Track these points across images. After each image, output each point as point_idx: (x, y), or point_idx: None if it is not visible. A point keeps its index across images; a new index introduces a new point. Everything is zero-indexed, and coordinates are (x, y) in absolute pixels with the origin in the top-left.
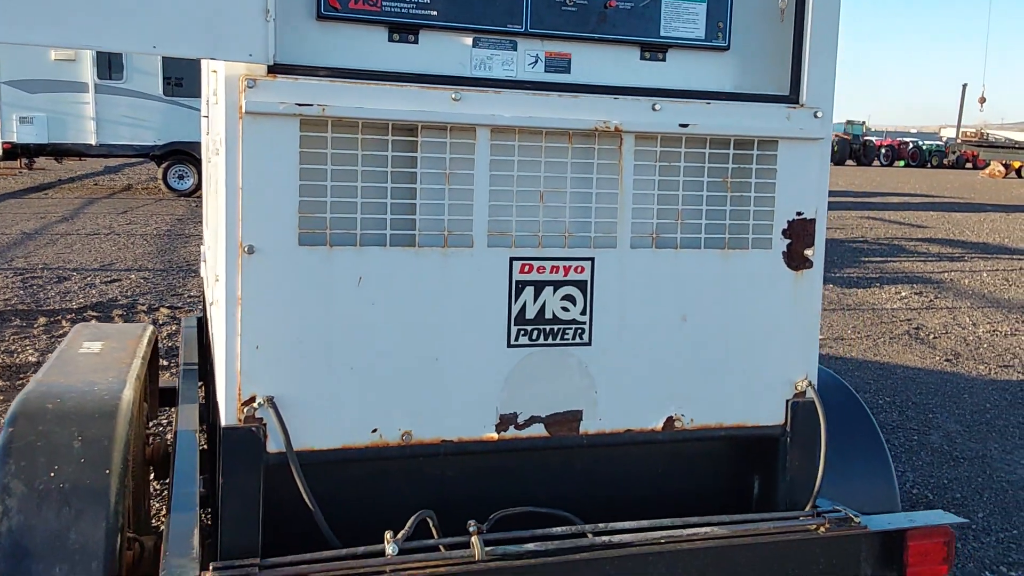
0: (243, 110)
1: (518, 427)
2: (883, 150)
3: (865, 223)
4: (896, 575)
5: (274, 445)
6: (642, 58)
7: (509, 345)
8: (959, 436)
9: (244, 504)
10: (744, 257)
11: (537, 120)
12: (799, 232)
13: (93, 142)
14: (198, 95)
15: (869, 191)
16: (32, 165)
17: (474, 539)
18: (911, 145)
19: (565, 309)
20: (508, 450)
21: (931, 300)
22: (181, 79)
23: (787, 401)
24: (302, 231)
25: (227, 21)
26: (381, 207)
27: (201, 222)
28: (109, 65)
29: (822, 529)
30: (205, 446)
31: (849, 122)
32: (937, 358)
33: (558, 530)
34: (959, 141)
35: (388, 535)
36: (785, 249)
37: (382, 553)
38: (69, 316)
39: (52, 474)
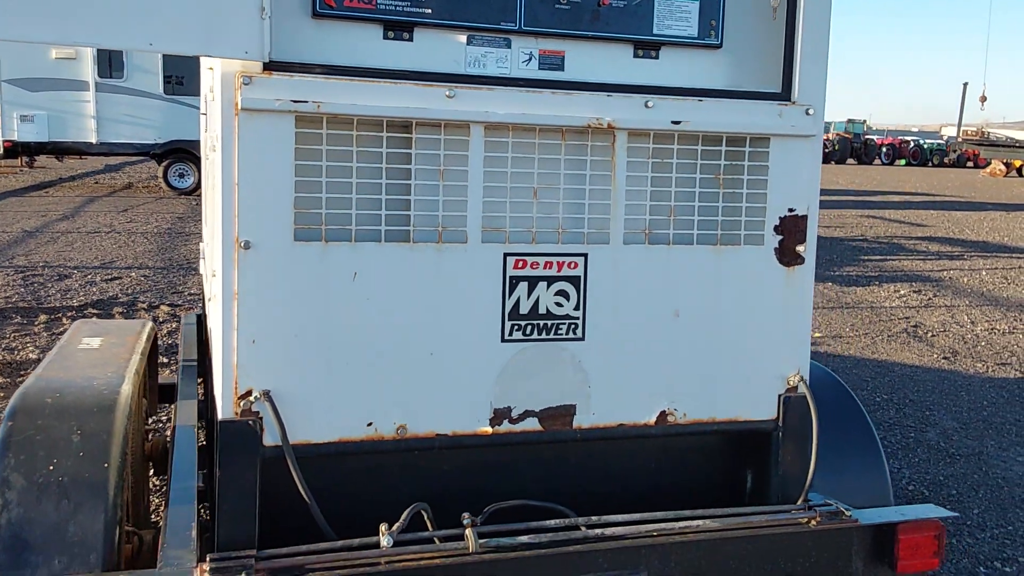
0: (239, 107)
1: (512, 421)
2: (884, 149)
3: (865, 222)
4: (887, 568)
5: (270, 438)
6: (635, 56)
7: (503, 340)
8: (956, 433)
9: (241, 497)
10: (736, 253)
11: (531, 117)
12: (791, 228)
13: (94, 140)
14: (198, 93)
15: (870, 190)
16: (33, 163)
17: (468, 531)
18: (912, 144)
19: (559, 304)
20: (502, 444)
21: (930, 298)
22: (182, 77)
23: (779, 396)
24: (298, 227)
25: (223, 19)
26: (376, 203)
27: (201, 220)
28: (110, 63)
29: (813, 522)
30: (204, 442)
31: (850, 121)
32: (935, 356)
33: (551, 523)
34: (960, 140)
35: (383, 527)
36: (777, 245)
37: (377, 545)
38: (70, 314)
39: (51, 467)
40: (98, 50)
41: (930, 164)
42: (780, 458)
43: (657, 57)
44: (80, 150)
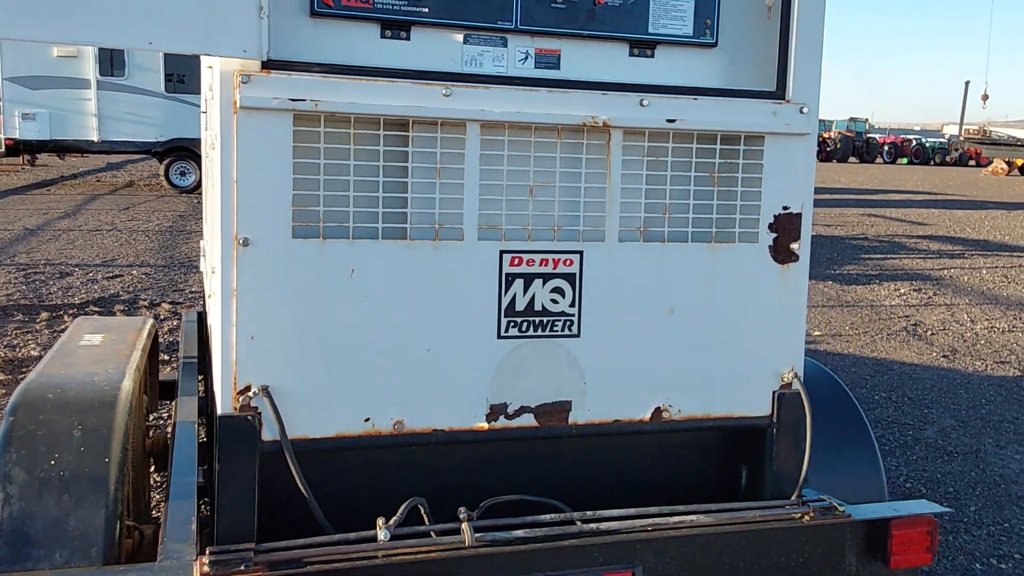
0: (238, 105)
1: (508, 417)
2: (886, 147)
3: (866, 220)
4: (881, 563)
5: (269, 433)
6: (631, 54)
7: (499, 336)
8: (954, 431)
9: (240, 491)
10: (731, 251)
11: (527, 115)
12: (785, 226)
13: (95, 138)
14: (199, 91)
15: (871, 188)
16: (34, 161)
17: (464, 525)
18: (914, 142)
19: (554, 301)
20: (498, 439)
21: (930, 297)
22: (183, 75)
23: (773, 392)
24: (296, 224)
25: (222, 18)
26: (373, 201)
27: (202, 218)
28: (111, 62)
29: (807, 518)
30: (205, 439)
31: (852, 119)
32: (934, 354)
33: (547, 517)
34: (962, 138)
35: (380, 521)
36: (771, 243)
37: (374, 539)
38: (71, 311)
39: (52, 462)
40: (99, 48)
41: (932, 163)
42: (775, 454)
43: (652, 56)
44: (82, 148)
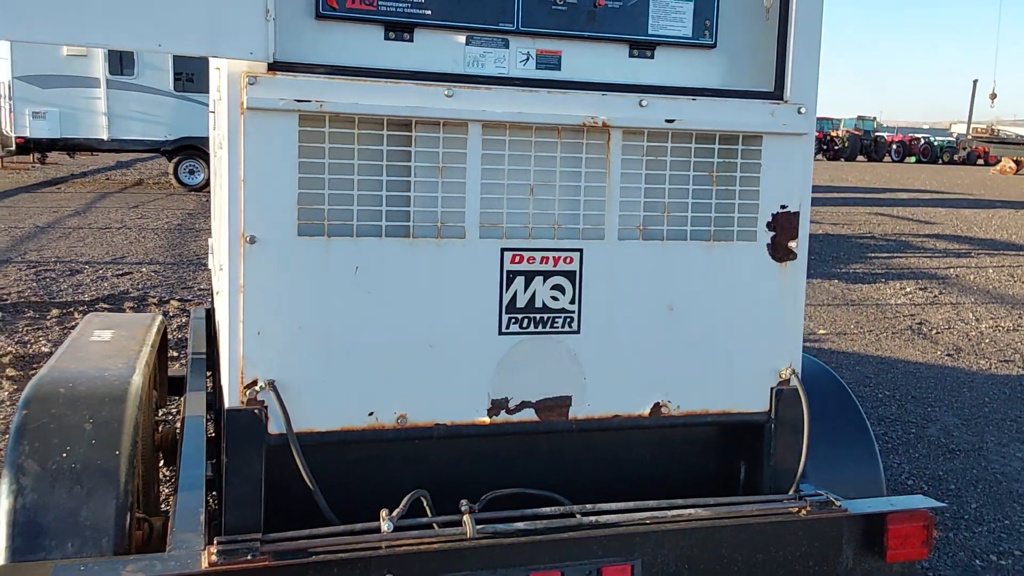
0: (244, 106)
1: (509, 412)
2: (894, 146)
3: (873, 219)
4: (877, 557)
5: (275, 427)
6: (630, 55)
7: (500, 333)
8: (956, 429)
9: (247, 483)
10: (729, 249)
11: (527, 116)
12: (783, 225)
13: (105, 137)
14: (208, 91)
15: (879, 187)
16: (45, 160)
17: (466, 518)
18: (922, 141)
19: (555, 298)
20: (499, 434)
21: (935, 296)
22: (192, 74)
23: (772, 389)
24: (301, 222)
25: (229, 20)
26: (377, 199)
27: (210, 216)
28: (120, 61)
29: (803, 512)
30: (213, 434)
31: (860, 118)
32: (938, 353)
33: (547, 510)
34: (970, 137)
35: (384, 513)
36: (769, 241)
37: (378, 530)
38: (81, 308)
39: (64, 454)
40: None
41: (940, 161)
42: (773, 450)
43: (652, 57)
44: (91, 147)
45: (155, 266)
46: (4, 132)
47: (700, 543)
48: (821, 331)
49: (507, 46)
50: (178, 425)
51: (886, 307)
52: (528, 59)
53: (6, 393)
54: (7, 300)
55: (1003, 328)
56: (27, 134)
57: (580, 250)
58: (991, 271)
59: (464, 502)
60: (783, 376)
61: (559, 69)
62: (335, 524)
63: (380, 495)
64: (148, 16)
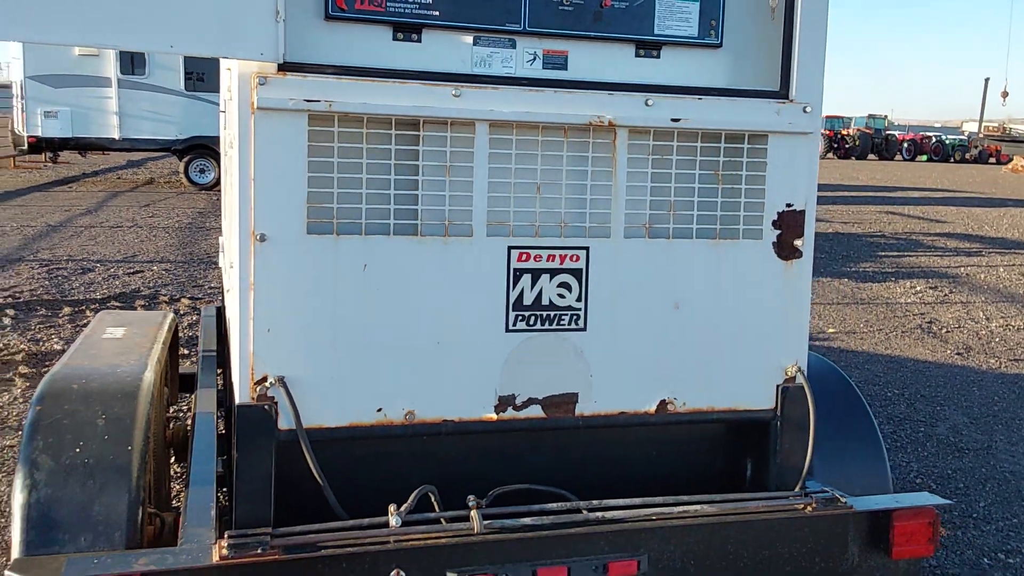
0: (255, 106)
1: (516, 408)
2: (905, 144)
3: (884, 218)
4: (882, 554)
5: (285, 422)
6: (637, 55)
7: (507, 330)
8: (965, 428)
9: (257, 478)
10: (735, 247)
11: (534, 115)
12: (789, 223)
13: (116, 136)
14: (219, 90)
15: (890, 185)
16: (56, 159)
17: (473, 513)
18: (934, 139)
19: (561, 296)
20: (506, 430)
21: (946, 294)
22: (202, 74)
23: (777, 386)
24: (310, 220)
25: (240, 22)
26: (385, 198)
27: (220, 214)
28: (132, 60)
29: (809, 509)
30: (223, 431)
31: (871, 116)
32: (948, 352)
33: (554, 506)
34: (981, 136)
35: (392, 508)
36: (775, 240)
37: (386, 525)
38: (93, 306)
39: (77, 450)
40: None
41: (952, 160)
42: (779, 447)
43: (658, 56)
44: (103, 146)
45: (166, 264)
46: (16, 131)
47: (706, 539)
48: (830, 330)
49: (514, 46)
50: (189, 422)
51: (896, 306)
52: (535, 59)
53: (19, 390)
54: (20, 298)
55: (1013, 327)
56: (39, 133)
57: (586, 248)
58: (1002, 270)
59: (471, 498)
60: (789, 373)
61: (565, 69)
62: (344, 519)
63: (388, 490)
64: (160, 18)
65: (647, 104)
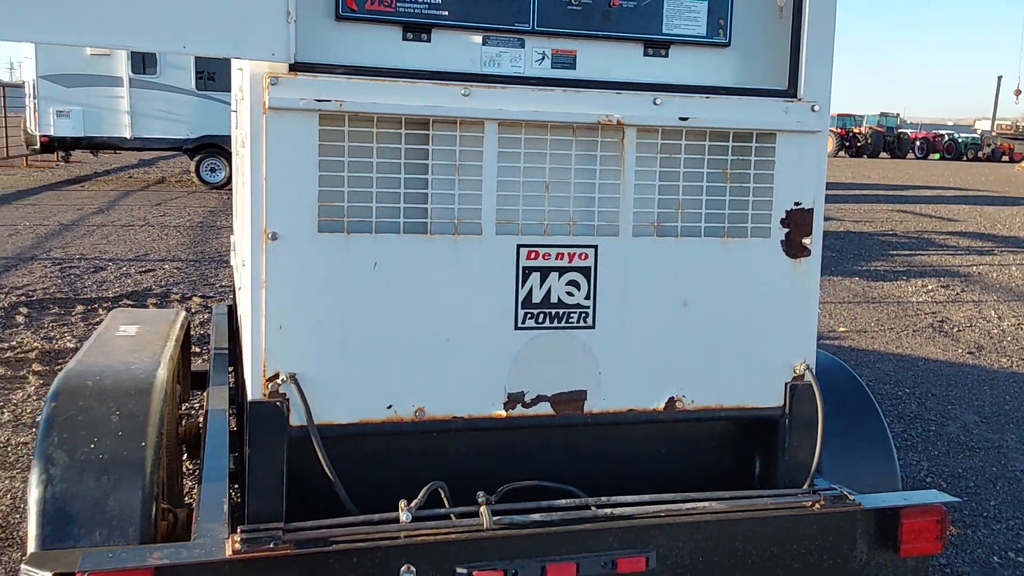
0: (266, 106)
1: (525, 405)
2: (918, 143)
3: (896, 216)
4: (891, 552)
5: (296, 419)
6: (645, 54)
7: (516, 328)
8: (976, 427)
9: (269, 473)
10: (743, 245)
11: (543, 114)
12: (797, 221)
13: (128, 135)
14: (230, 89)
15: (902, 184)
16: (68, 158)
17: (483, 509)
18: (946, 138)
19: (570, 294)
20: (516, 427)
21: (957, 293)
22: (213, 73)
23: (786, 384)
24: (321, 219)
25: (251, 22)
26: (395, 196)
27: (232, 213)
28: (143, 60)
29: (817, 506)
30: (235, 427)
31: (883, 114)
32: (960, 351)
33: (563, 502)
34: (994, 134)
35: (402, 504)
36: (784, 238)
37: (397, 520)
38: (105, 304)
39: (92, 445)
40: None
41: (964, 158)
42: (787, 444)
43: (667, 55)
44: (115, 145)
45: (177, 263)
46: (29, 131)
47: (714, 536)
48: (841, 328)
49: (523, 46)
50: (201, 419)
51: (907, 305)
52: (543, 58)
53: (33, 387)
54: (33, 296)
55: None
56: (51, 133)
57: (595, 246)
58: (1014, 269)
59: (481, 494)
60: (797, 371)
61: (574, 68)
62: (355, 514)
63: (398, 486)
64: (173, 19)
65: (655, 103)
